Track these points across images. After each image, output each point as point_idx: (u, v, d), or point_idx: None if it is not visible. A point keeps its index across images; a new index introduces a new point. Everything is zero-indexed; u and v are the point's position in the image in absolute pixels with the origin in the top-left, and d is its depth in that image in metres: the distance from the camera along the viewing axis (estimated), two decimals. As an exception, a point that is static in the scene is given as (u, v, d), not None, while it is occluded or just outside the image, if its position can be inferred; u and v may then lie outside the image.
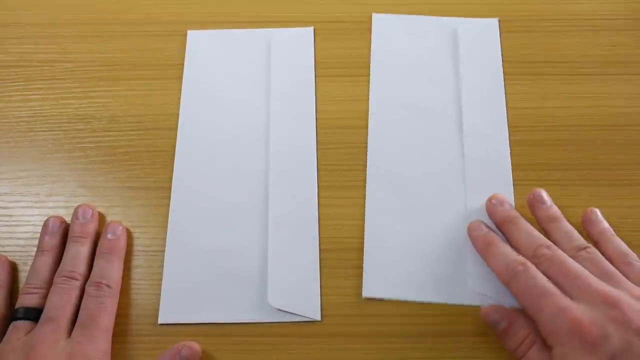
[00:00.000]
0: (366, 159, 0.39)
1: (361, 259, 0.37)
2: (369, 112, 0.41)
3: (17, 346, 0.31)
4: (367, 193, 0.38)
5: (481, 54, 0.43)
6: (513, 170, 0.39)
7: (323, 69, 0.43)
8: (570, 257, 0.32)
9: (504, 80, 0.42)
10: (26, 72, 0.42)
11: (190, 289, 0.36)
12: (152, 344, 0.34)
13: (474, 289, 0.35)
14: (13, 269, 0.36)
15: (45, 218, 0.37)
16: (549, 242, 0.33)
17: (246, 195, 0.38)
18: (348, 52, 0.43)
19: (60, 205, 0.38)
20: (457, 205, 0.38)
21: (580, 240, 0.34)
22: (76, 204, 0.38)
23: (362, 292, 0.35)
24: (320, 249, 0.37)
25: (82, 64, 0.43)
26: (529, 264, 0.32)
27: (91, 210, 0.37)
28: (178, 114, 0.41)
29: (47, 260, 0.35)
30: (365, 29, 0.44)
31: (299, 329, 0.35)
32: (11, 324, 0.33)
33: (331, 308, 0.35)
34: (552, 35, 0.44)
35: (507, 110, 0.41)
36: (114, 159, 0.40)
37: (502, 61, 0.43)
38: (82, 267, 0.34)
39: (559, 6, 0.45)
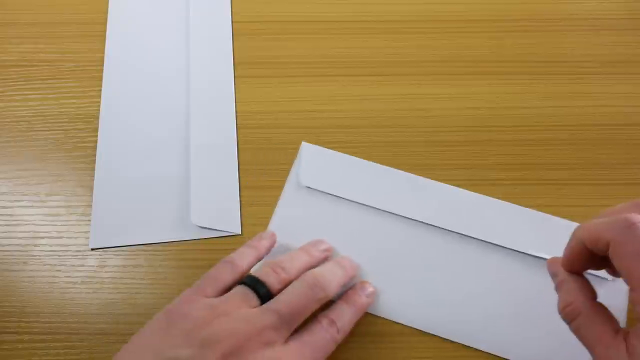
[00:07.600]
0: None
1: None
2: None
3: (234, 316, 0.29)
4: None
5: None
6: (512, 171, 0.39)
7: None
8: None
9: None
10: (26, 72, 0.42)
11: (118, 216, 0.38)
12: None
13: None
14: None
15: (44, 218, 0.37)
16: None
17: (167, 131, 0.40)
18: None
19: (60, 205, 0.38)
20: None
21: None
22: (76, 204, 0.38)
23: None
24: (239, 169, 0.39)
25: (82, 64, 0.43)
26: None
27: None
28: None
29: (308, 260, 0.34)
30: None
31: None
32: (242, 287, 0.31)
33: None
34: (552, 35, 0.44)
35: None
36: (114, 158, 0.40)
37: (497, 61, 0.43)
38: (333, 290, 0.32)
39: (559, 6, 0.45)
